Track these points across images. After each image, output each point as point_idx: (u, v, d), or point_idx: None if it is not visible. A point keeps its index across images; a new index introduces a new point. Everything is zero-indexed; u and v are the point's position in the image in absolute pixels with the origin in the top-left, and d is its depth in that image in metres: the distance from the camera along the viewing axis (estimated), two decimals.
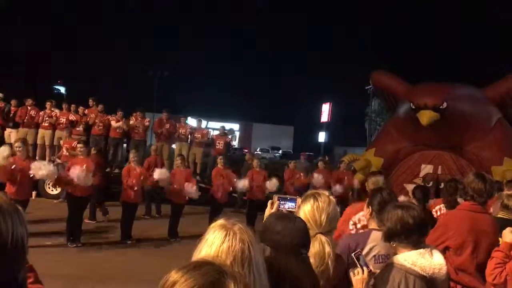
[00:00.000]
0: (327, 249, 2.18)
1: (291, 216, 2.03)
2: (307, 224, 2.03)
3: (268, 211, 2.49)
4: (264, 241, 1.85)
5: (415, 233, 2.47)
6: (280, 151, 46.97)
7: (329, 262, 2.17)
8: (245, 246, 1.40)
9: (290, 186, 11.54)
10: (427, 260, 2.39)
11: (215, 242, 1.41)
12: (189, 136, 13.58)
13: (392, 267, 2.45)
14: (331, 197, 2.37)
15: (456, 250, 3.76)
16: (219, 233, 1.43)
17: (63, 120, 12.66)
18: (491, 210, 4.51)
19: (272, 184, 10.31)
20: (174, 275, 1.03)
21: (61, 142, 12.03)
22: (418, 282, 2.36)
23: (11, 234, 1.17)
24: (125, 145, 13.75)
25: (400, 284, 2.37)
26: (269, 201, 2.52)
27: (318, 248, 2.15)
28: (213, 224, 1.49)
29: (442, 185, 7.21)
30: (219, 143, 13.73)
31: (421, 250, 2.43)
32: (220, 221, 1.49)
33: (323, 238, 2.20)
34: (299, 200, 2.43)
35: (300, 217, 2.08)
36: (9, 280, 1.18)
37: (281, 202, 2.50)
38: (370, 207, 3.27)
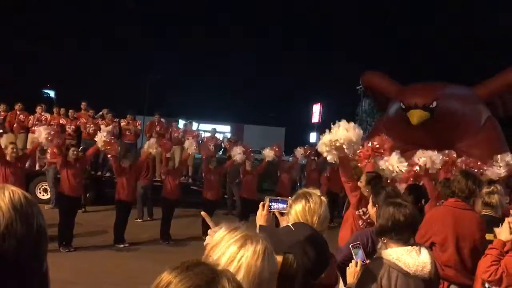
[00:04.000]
0: None
1: (323, 242, 2.04)
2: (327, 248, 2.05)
3: (260, 213, 2.49)
4: (295, 255, 1.84)
5: (405, 230, 2.50)
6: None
7: None
8: (258, 260, 1.30)
9: (283, 186, 11.53)
10: (412, 258, 2.42)
11: (256, 256, 1.30)
12: (181, 139, 13.53)
13: (378, 260, 2.49)
14: (322, 197, 2.38)
15: (441, 246, 3.82)
16: (237, 243, 1.32)
17: (54, 124, 12.58)
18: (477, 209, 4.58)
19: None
20: (167, 276, 1.02)
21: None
22: (401, 277, 2.39)
23: (36, 221, 1.20)
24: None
25: (382, 277, 2.40)
26: (261, 203, 2.52)
27: None
28: (231, 231, 1.37)
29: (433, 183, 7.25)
30: (210, 145, 13.70)
31: (409, 248, 2.46)
32: (241, 232, 1.37)
33: None
34: (290, 201, 2.43)
35: (322, 238, 2.08)
36: (36, 265, 1.20)
37: (272, 204, 2.49)
38: (376, 205, 3.34)
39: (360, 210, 4.50)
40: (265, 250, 1.32)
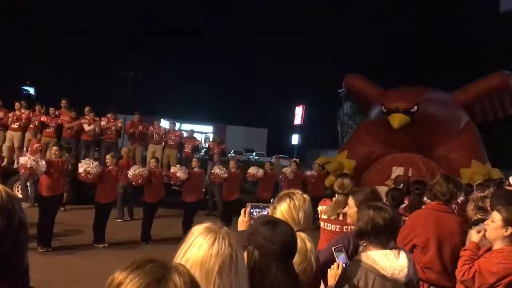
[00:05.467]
0: (309, 245, 2.23)
1: (280, 221, 2.02)
2: (293, 231, 2.00)
3: (241, 219, 2.51)
4: (252, 243, 1.82)
5: (384, 234, 2.52)
6: (254, 153, 47.01)
7: (312, 257, 2.21)
8: (233, 251, 1.40)
9: (264, 188, 11.53)
10: (390, 261, 2.43)
11: (204, 244, 1.40)
12: (163, 138, 13.45)
13: (356, 263, 2.51)
14: (305, 195, 2.43)
15: (422, 248, 3.88)
16: (207, 236, 1.42)
17: (35, 121, 12.41)
18: (468, 213, 4.66)
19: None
20: (118, 276, 1.02)
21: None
22: (378, 280, 2.41)
23: (17, 216, 1.22)
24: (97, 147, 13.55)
25: (359, 280, 2.42)
26: (242, 209, 2.54)
27: (300, 245, 2.18)
28: (198, 227, 1.47)
29: None
30: (187, 146, 13.65)
31: (387, 251, 2.47)
32: (208, 224, 1.47)
33: (303, 235, 2.25)
34: (271, 206, 2.47)
35: (288, 223, 2.07)
36: (17, 261, 1.22)
37: (253, 210, 2.51)
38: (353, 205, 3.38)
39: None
40: (215, 240, 1.40)
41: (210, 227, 1.45)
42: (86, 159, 8.74)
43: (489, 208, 4.31)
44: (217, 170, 10.69)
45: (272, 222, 1.92)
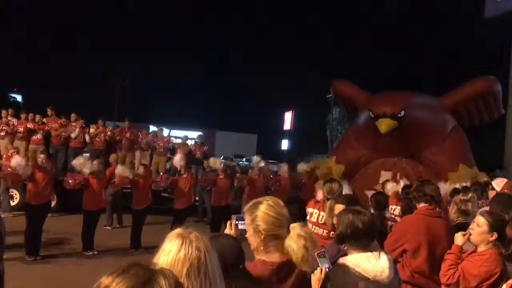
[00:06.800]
0: (302, 232, 2.32)
1: (220, 235, 2.10)
2: (235, 240, 2.08)
3: (228, 231, 2.54)
4: None
5: (364, 237, 2.57)
6: (244, 159, 46.92)
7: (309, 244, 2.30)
8: (201, 253, 1.45)
9: (251, 194, 11.50)
10: (371, 263, 2.48)
11: (172, 250, 1.46)
12: (151, 145, 13.41)
13: (339, 267, 2.55)
14: (278, 199, 2.46)
15: (413, 253, 3.92)
16: (175, 241, 1.48)
17: (21, 129, 12.34)
18: (450, 216, 4.72)
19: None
20: (105, 281, 1.04)
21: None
22: (361, 283, 2.46)
23: None
24: (87, 154, 13.50)
25: (344, 283, 2.46)
26: (228, 222, 2.57)
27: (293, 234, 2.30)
28: (170, 233, 1.54)
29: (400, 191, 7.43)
30: (179, 152, 13.60)
31: (368, 254, 2.52)
32: (177, 230, 1.53)
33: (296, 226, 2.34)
34: (248, 216, 2.48)
35: (225, 235, 2.13)
36: None
37: (238, 222, 2.53)
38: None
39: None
40: (182, 245, 1.46)
41: (179, 233, 1.51)
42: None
43: (471, 212, 4.38)
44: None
45: (213, 238, 1.99)
